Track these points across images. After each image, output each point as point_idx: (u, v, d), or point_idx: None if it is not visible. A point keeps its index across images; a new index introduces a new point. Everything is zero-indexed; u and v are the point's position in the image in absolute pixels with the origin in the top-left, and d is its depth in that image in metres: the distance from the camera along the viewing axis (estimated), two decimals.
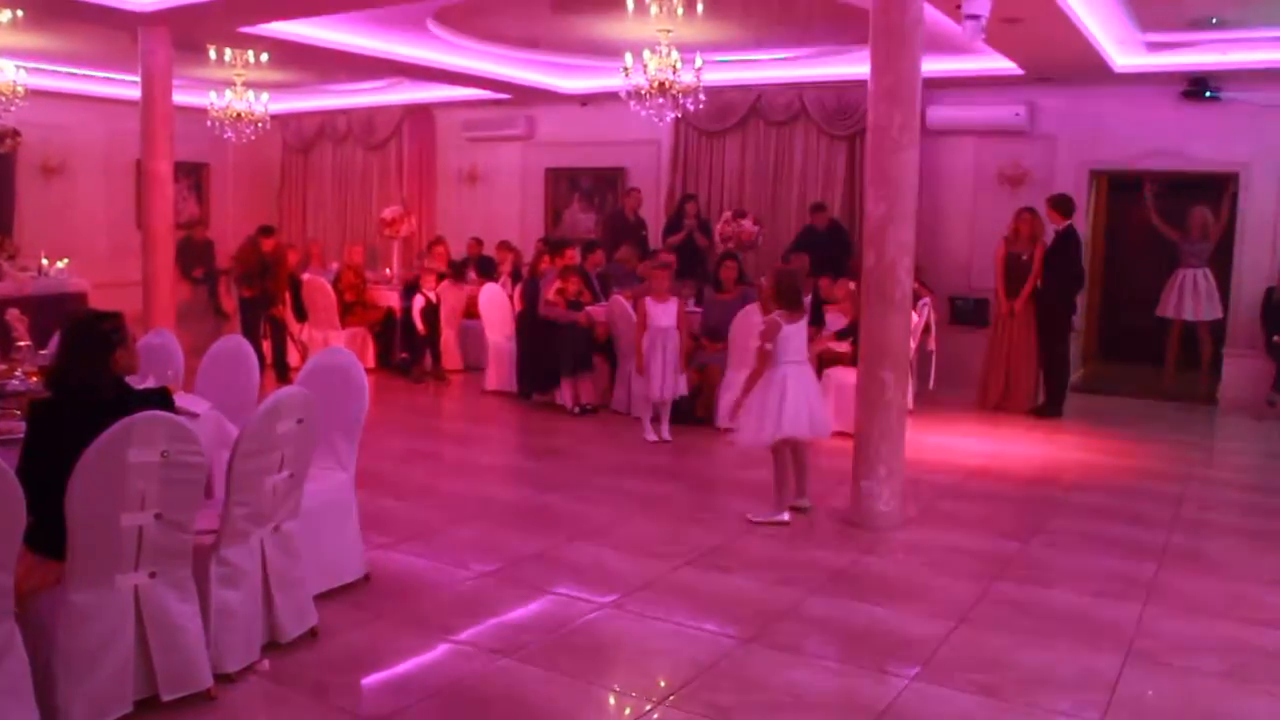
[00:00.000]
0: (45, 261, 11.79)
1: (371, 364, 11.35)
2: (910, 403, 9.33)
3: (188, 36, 9.67)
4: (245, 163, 15.83)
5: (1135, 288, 11.99)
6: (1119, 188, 12.22)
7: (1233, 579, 5.43)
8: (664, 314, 8.26)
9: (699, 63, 9.33)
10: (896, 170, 5.87)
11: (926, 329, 9.66)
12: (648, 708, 3.91)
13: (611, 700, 4.04)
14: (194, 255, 14.57)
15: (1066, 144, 11.01)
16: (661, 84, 9.32)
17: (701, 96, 9.54)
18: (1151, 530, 6.20)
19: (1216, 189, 10.58)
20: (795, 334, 6.16)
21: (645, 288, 8.78)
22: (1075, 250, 9.42)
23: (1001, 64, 10.09)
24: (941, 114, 11.31)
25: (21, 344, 5.74)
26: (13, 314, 6.33)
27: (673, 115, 9.58)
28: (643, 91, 9.31)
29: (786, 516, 6.21)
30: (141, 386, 4.14)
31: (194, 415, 4.66)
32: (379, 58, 11.06)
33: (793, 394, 6.03)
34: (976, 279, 11.21)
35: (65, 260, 11.87)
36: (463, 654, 4.37)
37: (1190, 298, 10.52)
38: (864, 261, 6.08)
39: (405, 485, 6.96)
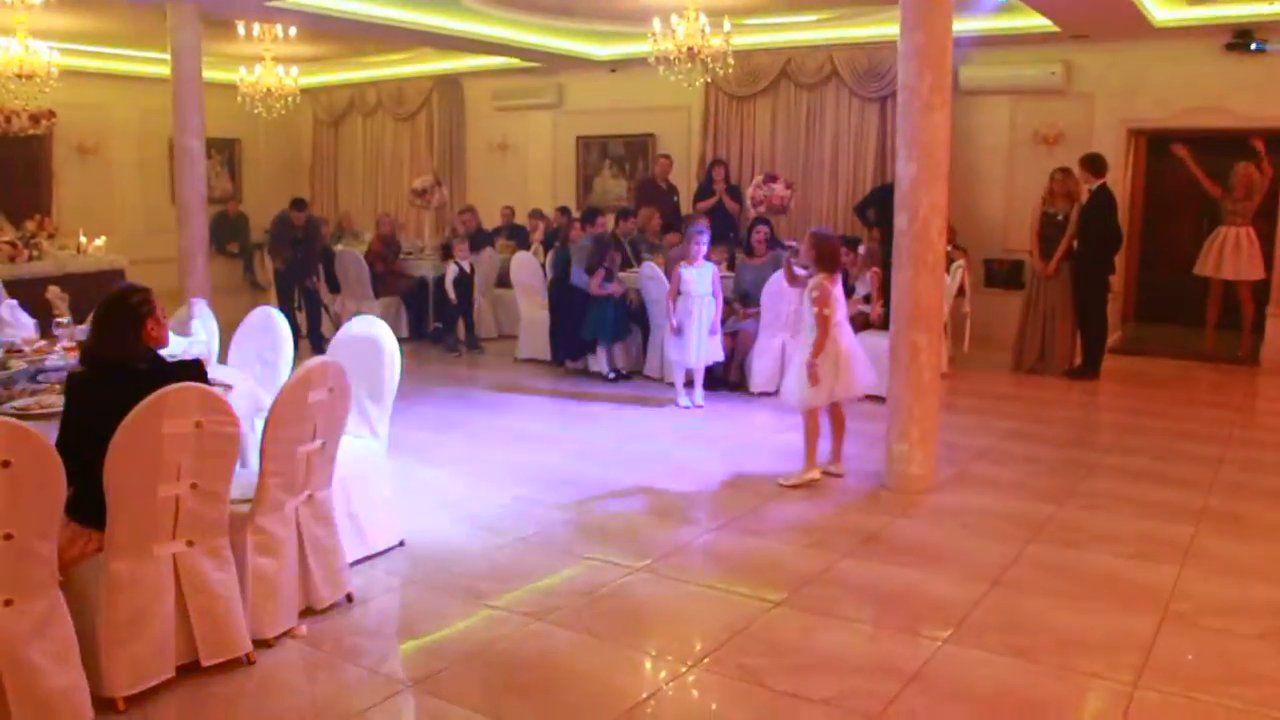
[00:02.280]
0: (83, 239, 11.93)
1: (405, 334, 11.41)
2: (945, 365, 9.31)
3: (216, 12, 9.68)
4: (277, 137, 15.91)
5: (1175, 248, 11.76)
6: (1158, 146, 11.99)
7: (1272, 540, 5.37)
8: (698, 280, 8.22)
9: (728, 26, 9.26)
10: (928, 131, 5.79)
11: (961, 291, 9.56)
12: (682, 670, 3.94)
13: (646, 664, 4.05)
14: (228, 230, 14.73)
15: (1104, 102, 10.84)
16: (690, 49, 9.28)
17: (730, 60, 9.48)
18: (1189, 493, 6.12)
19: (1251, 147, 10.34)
20: (839, 297, 6.14)
21: (680, 253, 8.74)
22: (1110, 210, 9.26)
23: (1037, 21, 9.91)
24: (975, 74, 11.16)
25: (62, 321, 5.82)
26: (53, 291, 6.43)
27: (700, 80, 9.52)
28: (671, 57, 9.28)
29: (817, 474, 6.21)
30: (175, 358, 4.18)
31: (228, 387, 4.73)
32: (406, 27, 11.04)
33: (834, 356, 6.02)
34: (1012, 241, 11.08)
35: (103, 238, 12.00)
36: (497, 619, 4.41)
37: (1231, 256, 10.30)
38: (896, 223, 6.01)
39: (440, 453, 7.02)
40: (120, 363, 3.80)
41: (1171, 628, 4.28)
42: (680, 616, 4.47)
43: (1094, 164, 9.40)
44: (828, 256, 6.12)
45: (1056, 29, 10.08)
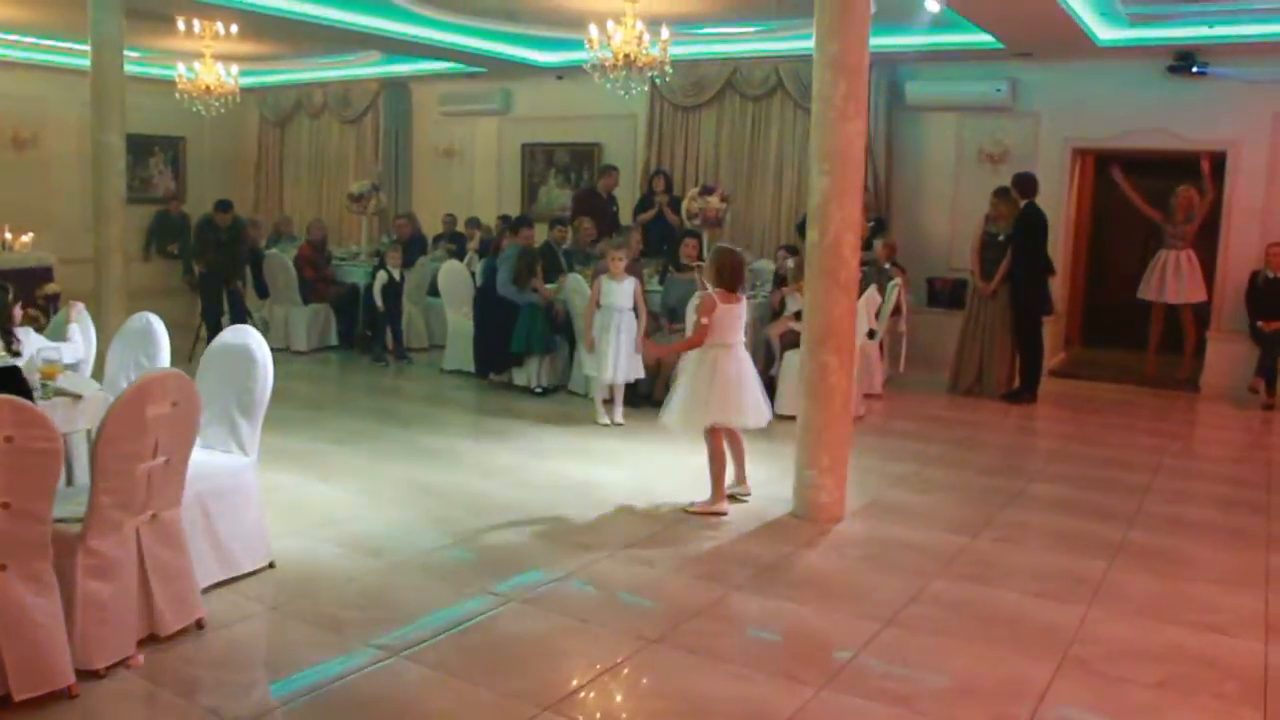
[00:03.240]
0: (9, 235, 11.55)
1: (334, 341, 11.11)
2: (878, 386, 9.12)
3: (144, 5, 9.34)
4: (222, 136, 15.58)
5: (1121, 271, 11.65)
6: (1106, 167, 11.86)
7: (1188, 579, 5.15)
8: (619, 293, 7.97)
9: (665, 35, 9.02)
10: (842, 142, 5.55)
11: (897, 310, 9.36)
12: (534, 713, 3.66)
13: (500, 706, 3.77)
14: (169, 230, 14.37)
15: (1049, 121, 10.71)
16: (627, 56, 9.04)
17: (668, 69, 9.25)
18: (1110, 524, 5.92)
19: (1196, 168, 10.22)
20: (730, 315, 5.88)
21: (602, 266, 8.49)
22: (1038, 230, 9.07)
23: (982, 37, 9.75)
24: (922, 89, 11.00)
25: None
26: (76, 305, 6.07)
27: (638, 89, 9.28)
28: (607, 64, 9.03)
29: (725, 507, 5.94)
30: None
31: (77, 397, 4.43)
32: (348, 29, 10.77)
33: (722, 378, 5.77)
34: (956, 260, 10.91)
35: (30, 234, 11.64)
36: (351, 652, 4.11)
37: (1173, 280, 10.17)
38: (808, 238, 5.77)
39: (337, 468, 6.71)
40: None
41: (1069, 674, 4.05)
42: (548, 653, 4.17)
43: (1022, 184, 9.24)
44: (726, 271, 5.89)
45: (1002, 46, 9.92)
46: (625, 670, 4.00)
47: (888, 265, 9.40)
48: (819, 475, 5.77)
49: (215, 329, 10.03)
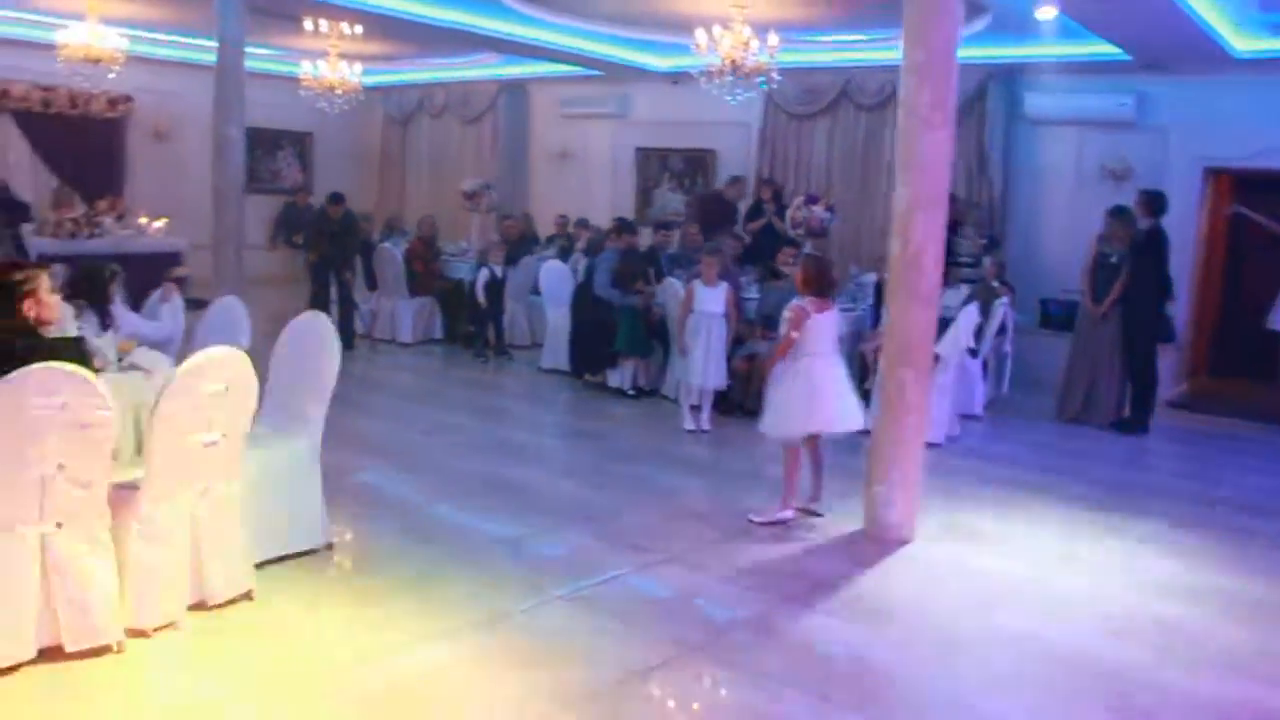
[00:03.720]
0: (143, 220, 12.16)
1: (439, 335, 11.32)
2: (978, 407, 8.83)
3: (266, 5, 9.72)
4: (348, 133, 16.06)
5: (1258, 299, 10.99)
6: (1248, 188, 11.21)
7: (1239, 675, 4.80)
8: (711, 299, 7.91)
9: (773, 40, 8.93)
10: (926, 152, 5.39)
11: (1002, 330, 9.04)
12: (546, 711, 3.64)
13: (518, 697, 3.75)
14: (295, 221, 14.86)
15: (1179, 137, 10.16)
16: (733, 62, 8.98)
17: (776, 76, 9.16)
18: (1205, 568, 5.52)
19: None
20: (823, 324, 5.78)
21: (697, 271, 8.44)
22: (1159, 252, 8.61)
23: (1107, 49, 9.36)
24: (1041, 102, 10.61)
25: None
26: (179, 272, 6.45)
27: (744, 94, 9.21)
28: (714, 70, 9.00)
29: (790, 514, 5.84)
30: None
31: (148, 372, 4.61)
32: (467, 31, 10.98)
33: (811, 387, 5.68)
34: (1072, 280, 10.44)
35: (164, 220, 12.22)
36: (389, 632, 4.18)
37: None
38: (890, 250, 5.62)
39: (419, 457, 6.82)
40: None
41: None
42: (581, 651, 4.15)
43: (1151, 201, 8.77)
44: (814, 280, 5.80)
45: (1128, 58, 9.50)
46: (654, 675, 3.95)
47: (995, 283, 9.08)
48: (887, 492, 5.60)
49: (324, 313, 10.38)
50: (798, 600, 4.78)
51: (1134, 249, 8.73)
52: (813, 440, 5.96)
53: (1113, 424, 8.82)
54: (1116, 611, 4.87)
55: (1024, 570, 5.35)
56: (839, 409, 5.80)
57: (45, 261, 8.08)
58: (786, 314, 5.80)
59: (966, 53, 10.46)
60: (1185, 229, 10.09)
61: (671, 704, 3.77)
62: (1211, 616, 4.87)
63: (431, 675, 3.87)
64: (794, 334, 5.75)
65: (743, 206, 11.77)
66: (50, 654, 3.73)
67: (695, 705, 3.78)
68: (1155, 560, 5.64)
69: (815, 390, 5.74)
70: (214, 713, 3.54)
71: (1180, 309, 10.05)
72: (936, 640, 4.41)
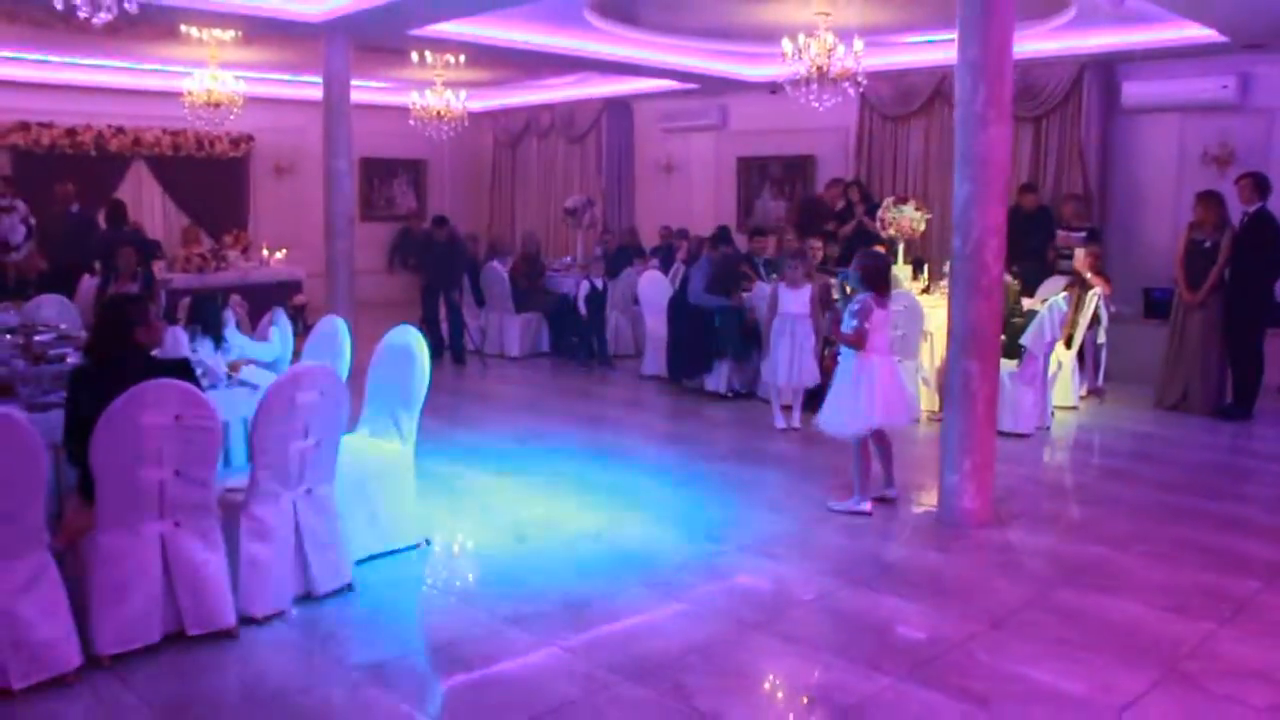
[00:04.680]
0: (265, 252, 13.01)
1: (546, 348, 11.78)
2: (1074, 399, 8.81)
3: (366, 42, 10.33)
4: (460, 157, 16.78)
5: None
6: None
7: None
8: (795, 301, 8.13)
9: (858, 46, 9.10)
10: (984, 148, 5.52)
11: (1095, 320, 8.98)
12: (606, 679, 3.94)
13: (585, 673, 4.07)
14: (411, 246, 15.60)
15: None
16: (820, 69, 9.19)
17: (862, 80, 9.33)
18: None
19: None
20: (883, 321, 5.98)
21: (784, 274, 8.67)
22: (1270, 235, 8.45)
23: (1203, 31, 9.22)
24: (1139, 90, 10.49)
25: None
26: (235, 299, 7.11)
27: (831, 100, 9.39)
28: (801, 78, 9.23)
29: (868, 506, 6.01)
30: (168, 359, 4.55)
31: (254, 387, 5.10)
32: (561, 55, 11.44)
33: (868, 383, 5.86)
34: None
35: (283, 251, 13.05)
36: (477, 619, 4.55)
37: None
38: (953, 245, 5.76)
39: (513, 462, 7.21)
40: (114, 361, 4.20)
41: (1167, 688, 3.93)
42: (649, 632, 4.44)
43: (1259, 183, 8.62)
44: (872, 276, 5.98)
45: (1225, 39, 9.34)
46: (715, 649, 4.22)
47: (1089, 275, 9.03)
48: (961, 480, 5.74)
49: (435, 337, 10.95)
50: (864, 582, 4.98)
51: (1240, 232, 8.60)
52: (879, 433, 6.13)
53: (1214, 411, 8.68)
54: (1183, 587, 4.92)
55: (1095, 551, 5.42)
56: (893, 404, 5.96)
57: (175, 294, 8.87)
58: (855, 307, 5.98)
59: (1059, 44, 10.60)
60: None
61: (727, 675, 4.02)
62: (1267, 592, 4.87)
63: (515, 652, 4.21)
64: (865, 326, 5.93)
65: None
66: (174, 639, 4.20)
67: (742, 673, 4.02)
68: (1232, 539, 5.63)
69: (873, 388, 5.91)
70: (319, 692, 3.93)
71: None
72: (994, 616, 4.55)
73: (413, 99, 12.56)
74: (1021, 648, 4.27)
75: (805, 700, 3.88)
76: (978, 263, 5.61)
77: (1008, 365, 7.96)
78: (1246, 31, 9.15)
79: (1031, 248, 9.90)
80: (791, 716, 3.79)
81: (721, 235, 10.27)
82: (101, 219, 11.28)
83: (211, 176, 14.48)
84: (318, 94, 10.37)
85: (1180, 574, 5.12)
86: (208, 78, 11.12)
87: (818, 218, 11.50)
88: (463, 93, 12.71)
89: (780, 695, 3.94)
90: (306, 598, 4.68)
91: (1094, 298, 8.86)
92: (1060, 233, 10.09)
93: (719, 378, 9.45)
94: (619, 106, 15.21)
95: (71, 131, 13.35)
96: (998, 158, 5.57)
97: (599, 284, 10.87)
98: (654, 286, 10.60)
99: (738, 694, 3.85)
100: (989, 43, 5.50)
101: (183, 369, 4.28)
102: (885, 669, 4.04)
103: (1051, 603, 4.75)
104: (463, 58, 11.64)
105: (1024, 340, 7.92)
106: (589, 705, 3.79)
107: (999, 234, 5.63)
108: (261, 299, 9.25)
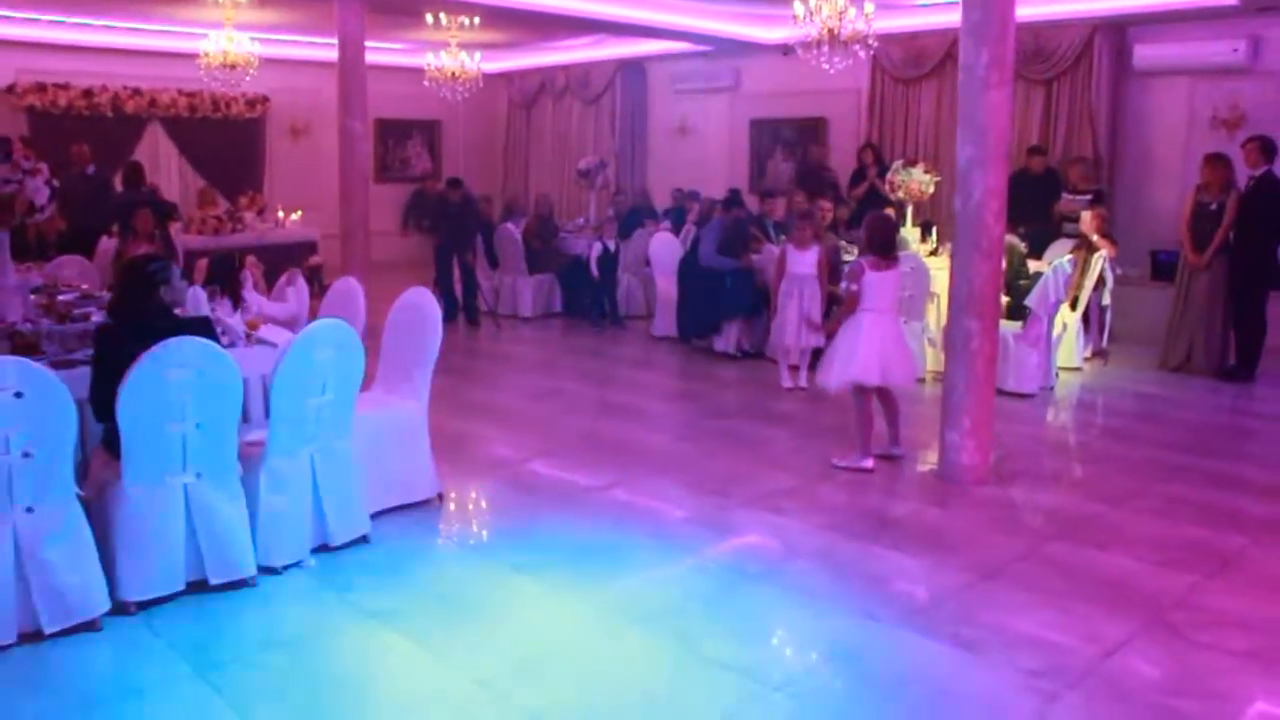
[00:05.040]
0: (281, 214, 13.15)
1: (557, 309, 11.92)
2: (1079, 360, 8.92)
3: (380, 3, 10.39)
4: (475, 119, 16.84)
5: None
6: None
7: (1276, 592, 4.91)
8: (802, 262, 8.24)
9: (869, 9, 9.14)
10: (985, 112, 5.61)
11: (1100, 283, 9.06)
12: (615, 620, 4.12)
13: (586, 615, 4.25)
14: (424, 207, 15.69)
15: None
16: (831, 31, 9.24)
17: (873, 42, 9.37)
18: (1269, 504, 5.66)
19: None
20: (882, 282, 6.09)
21: (791, 235, 8.77)
22: (1276, 198, 8.49)
23: None
24: (1151, 52, 10.47)
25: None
26: (250, 260, 7.28)
27: (842, 63, 9.43)
28: (812, 40, 9.28)
29: (870, 463, 6.16)
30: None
31: (272, 345, 5.26)
32: (574, 16, 11.48)
33: (867, 341, 5.99)
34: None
35: (299, 212, 13.19)
36: (486, 567, 4.73)
37: None
38: (955, 206, 5.86)
39: (524, 420, 7.39)
40: (139, 319, 4.35)
41: (1151, 636, 4.08)
42: (651, 580, 4.61)
43: (1266, 147, 8.66)
44: (876, 239, 6.09)
45: (1236, 2, 9.34)
46: (714, 598, 4.39)
47: (1095, 237, 9.09)
48: (961, 438, 5.87)
49: (449, 297, 11.10)
50: (863, 535, 5.14)
51: (1245, 195, 8.65)
52: (884, 392, 6.26)
53: (1217, 372, 8.78)
54: (1174, 542, 5.05)
55: (1091, 507, 5.56)
56: (888, 364, 6.08)
57: (192, 256, 9.02)
58: (846, 269, 6.09)
59: (1071, 7, 10.57)
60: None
61: (724, 621, 4.19)
62: (1272, 548, 5.00)
63: (525, 599, 4.40)
64: (853, 288, 6.06)
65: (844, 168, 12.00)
66: (196, 586, 4.39)
67: (749, 623, 4.19)
68: (1225, 497, 5.76)
69: (867, 344, 6.04)
70: (334, 636, 4.12)
71: None
72: (988, 568, 4.70)
73: (428, 60, 12.63)
74: (1012, 598, 4.43)
75: (802, 645, 4.04)
76: (979, 224, 5.71)
77: (1012, 326, 8.09)
78: None
79: (1039, 210, 9.96)
80: (788, 660, 3.95)
81: (733, 198, 10.35)
82: (118, 181, 11.43)
83: (227, 138, 14.57)
84: (333, 55, 10.46)
85: (1172, 530, 5.26)
86: (223, 39, 11.22)
87: (815, 182, 11.56)
88: (477, 54, 12.77)
89: (777, 641, 4.10)
90: (324, 548, 4.87)
91: (1099, 260, 8.92)
92: (1065, 196, 10.14)
93: (728, 338, 9.58)
94: (633, 68, 15.24)
95: (88, 93, 13.46)
96: (999, 121, 5.65)
97: (611, 245, 10.99)
98: (665, 248, 10.71)
99: (737, 640, 4.02)
100: (991, 7, 5.56)
101: (204, 326, 4.44)
102: (880, 618, 4.21)
103: (1044, 556, 4.90)
104: (477, 19, 11.70)
105: (1028, 302, 8.02)
106: (592, 648, 3.97)
107: (999, 196, 5.73)
108: (277, 260, 9.41)
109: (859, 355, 6.00)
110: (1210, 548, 5.00)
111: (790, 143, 13.93)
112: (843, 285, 6.06)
